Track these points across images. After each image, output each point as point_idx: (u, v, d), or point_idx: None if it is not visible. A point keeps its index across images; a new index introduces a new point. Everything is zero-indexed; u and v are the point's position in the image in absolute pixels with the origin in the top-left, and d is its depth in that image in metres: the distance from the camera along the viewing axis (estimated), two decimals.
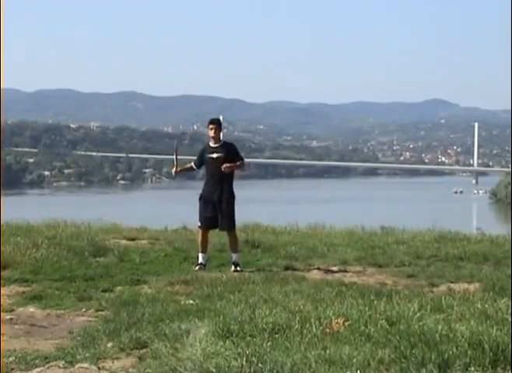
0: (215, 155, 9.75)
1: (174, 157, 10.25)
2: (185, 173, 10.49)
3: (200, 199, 9.89)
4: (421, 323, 5.32)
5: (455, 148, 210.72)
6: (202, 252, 9.73)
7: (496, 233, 13.60)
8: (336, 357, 4.65)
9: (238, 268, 9.45)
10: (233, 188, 9.87)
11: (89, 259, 9.95)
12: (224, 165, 9.68)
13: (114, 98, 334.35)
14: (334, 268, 9.70)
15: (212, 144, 9.87)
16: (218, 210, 9.72)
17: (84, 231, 12.79)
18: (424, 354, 4.61)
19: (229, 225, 9.81)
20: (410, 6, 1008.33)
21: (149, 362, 4.94)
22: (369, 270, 9.62)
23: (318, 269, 9.55)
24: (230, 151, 9.88)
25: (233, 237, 9.82)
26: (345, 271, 9.53)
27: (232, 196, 9.82)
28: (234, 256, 9.66)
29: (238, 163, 9.84)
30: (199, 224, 9.89)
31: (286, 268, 9.48)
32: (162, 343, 5.26)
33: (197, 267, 9.50)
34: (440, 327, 5.18)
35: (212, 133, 9.84)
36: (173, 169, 10.19)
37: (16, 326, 6.48)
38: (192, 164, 10.08)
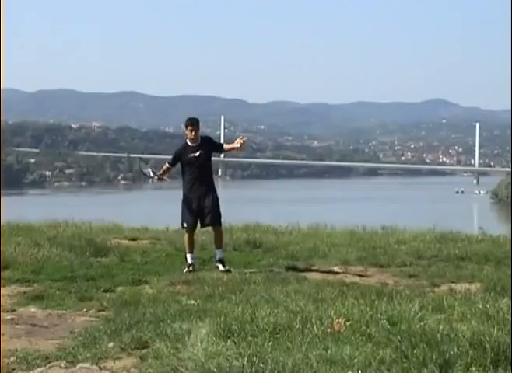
0: (197, 153, 9.70)
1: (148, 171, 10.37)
2: (165, 174, 10.17)
3: (184, 200, 9.73)
4: (422, 323, 5.32)
5: (456, 148, 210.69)
6: (190, 252, 9.63)
7: (497, 233, 13.59)
8: (337, 357, 4.66)
9: (226, 267, 9.36)
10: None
11: (90, 259, 9.95)
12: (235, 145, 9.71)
13: (115, 98, 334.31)
14: (336, 268, 9.71)
15: (190, 143, 9.77)
16: (202, 206, 9.63)
17: (85, 231, 12.80)
18: (425, 354, 4.61)
19: (213, 220, 9.66)
20: (410, 6, 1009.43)
21: (151, 362, 4.95)
22: (370, 270, 9.62)
23: (319, 270, 9.56)
24: (209, 145, 9.88)
25: (218, 233, 9.71)
26: (347, 271, 9.53)
27: (215, 192, 9.78)
28: (218, 253, 9.58)
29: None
30: (186, 224, 9.71)
31: (287, 268, 9.48)
32: (163, 343, 5.26)
33: (190, 268, 9.40)
34: (441, 327, 5.18)
35: (191, 135, 9.72)
36: (155, 177, 10.13)
37: (17, 326, 6.48)
38: (166, 164, 10.00)
